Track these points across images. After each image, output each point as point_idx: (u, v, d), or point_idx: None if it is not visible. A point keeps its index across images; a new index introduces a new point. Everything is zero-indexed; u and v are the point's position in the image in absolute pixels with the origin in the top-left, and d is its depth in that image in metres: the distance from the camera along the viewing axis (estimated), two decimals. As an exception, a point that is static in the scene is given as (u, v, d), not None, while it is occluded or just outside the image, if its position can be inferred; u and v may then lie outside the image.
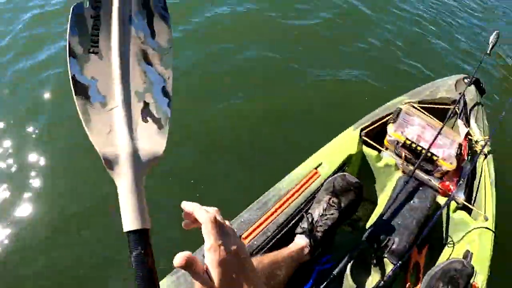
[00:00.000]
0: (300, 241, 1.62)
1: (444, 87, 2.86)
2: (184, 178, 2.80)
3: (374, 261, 1.79)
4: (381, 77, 4.12)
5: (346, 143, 2.18)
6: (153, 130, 0.69)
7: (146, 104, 0.71)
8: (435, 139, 2.21)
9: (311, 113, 3.56)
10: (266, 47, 4.12)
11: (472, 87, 2.93)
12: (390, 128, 2.28)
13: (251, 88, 3.65)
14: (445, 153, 2.28)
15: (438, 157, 2.22)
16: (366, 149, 2.23)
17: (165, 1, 0.81)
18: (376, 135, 2.42)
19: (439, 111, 2.66)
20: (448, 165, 2.24)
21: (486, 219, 2.12)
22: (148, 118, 0.70)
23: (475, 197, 2.38)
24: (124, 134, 0.65)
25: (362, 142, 2.27)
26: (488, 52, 3.03)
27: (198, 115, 3.23)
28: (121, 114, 0.67)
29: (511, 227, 2.99)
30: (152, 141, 0.67)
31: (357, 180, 1.71)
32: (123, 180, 0.60)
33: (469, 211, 2.26)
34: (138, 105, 0.70)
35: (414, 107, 2.55)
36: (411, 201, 1.98)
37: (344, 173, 1.76)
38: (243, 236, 1.60)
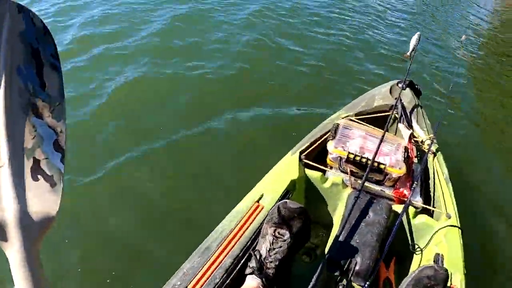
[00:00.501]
0: (252, 282, 1.46)
1: (380, 95, 2.87)
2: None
3: None
4: (316, 100, 4.17)
5: (286, 169, 2.07)
6: (45, 189, 0.64)
7: (36, 161, 0.66)
8: (378, 147, 2.14)
9: (248, 147, 3.51)
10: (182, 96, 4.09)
11: (408, 90, 2.96)
12: (330, 145, 2.21)
13: (177, 135, 3.53)
14: (392, 159, 2.22)
15: (385, 164, 2.16)
16: (309, 172, 2.13)
17: (56, 49, 0.76)
18: (318, 155, 2.35)
19: (379, 120, 2.64)
20: (398, 171, 2.18)
21: (449, 217, 2.04)
22: (39, 176, 0.65)
23: (433, 197, 2.32)
24: (10, 196, 0.59)
25: (304, 165, 2.16)
26: (409, 54, 3.15)
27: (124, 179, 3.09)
28: (7, 173, 0.61)
29: (476, 219, 2.98)
30: (44, 201, 0.62)
31: (300, 205, 1.57)
32: (13, 250, 0.54)
33: (430, 213, 2.19)
34: (27, 163, 0.64)
35: (352, 120, 2.52)
36: (366, 216, 1.88)
37: (285, 200, 1.63)
38: None
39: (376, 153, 2.09)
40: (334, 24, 6.38)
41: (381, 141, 2.19)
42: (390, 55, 5.58)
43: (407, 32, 6.55)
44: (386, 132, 2.32)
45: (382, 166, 2.15)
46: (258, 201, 1.82)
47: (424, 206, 2.17)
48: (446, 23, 8.28)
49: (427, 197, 2.34)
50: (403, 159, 2.24)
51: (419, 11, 8.45)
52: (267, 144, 3.46)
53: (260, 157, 3.09)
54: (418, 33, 3.22)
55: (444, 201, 2.17)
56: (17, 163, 0.63)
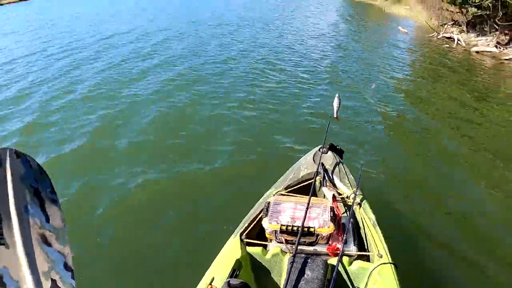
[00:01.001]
0: None
1: (305, 165, 3.21)
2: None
3: None
4: (250, 181, 4.43)
5: (230, 251, 2.37)
6: None
7: (54, 281, 0.83)
8: (305, 214, 2.50)
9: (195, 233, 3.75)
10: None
11: (329, 153, 3.31)
12: (265, 222, 2.53)
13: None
14: (320, 221, 2.56)
15: (314, 227, 2.48)
16: (250, 249, 2.44)
17: (52, 184, 0.93)
18: (259, 232, 2.67)
19: (307, 187, 2.98)
20: (327, 230, 2.51)
21: (381, 256, 2.36)
22: None
23: (366, 243, 2.64)
24: None
25: (246, 244, 2.48)
26: (335, 115, 3.44)
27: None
28: None
29: (407, 252, 3.34)
30: None
31: (241, 281, 1.87)
32: None
33: (366, 257, 2.51)
34: (46, 283, 0.81)
35: (282, 194, 2.89)
36: (305, 275, 2.15)
37: (228, 279, 1.92)
38: None
39: (304, 220, 2.44)
40: (258, 98, 7.03)
41: (307, 208, 2.55)
42: (315, 119, 6.13)
43: (328, 93, 7.30)
44: (313, 198, 2.66)
45: (312, 229, 2.47)
46: (211, 284, 2.10)
47: (359, 252, 2.49)
48: (358, 75, 9.29)
49: (361, 245, 2.64)
50: (330, 218, 2.56)
51: (331, 70, 9.40)
52: (210, 229, 3.73)
53: (209, 240, 3.36)
54: (337, 94, 3.51)
55: (375, 243, 2.50)
56: (39, 285, 0.81)
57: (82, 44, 12.53)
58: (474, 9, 18.08)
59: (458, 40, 17.38)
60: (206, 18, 18.62)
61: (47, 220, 0.89)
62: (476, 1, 16.08)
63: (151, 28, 15.51)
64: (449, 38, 17.96)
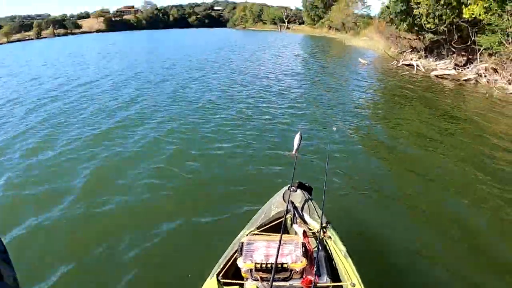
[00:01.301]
0: None
1: (275, 204, 3.29)
2: None
3: None
4: (224, 222, 4.45)
5: None
6: None
7: None
8: (278, 251, 2.56)
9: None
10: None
11: (299, 191, 3.36)
12: (240, 261, 2.58)
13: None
14: (293, 256, 2.62)
15: (287, 263, 2.55)
16: None
17: (5, 246, 0.92)
18: (235, 271, 2.73)
19: (279, 225, 3.03)
20: (299, 265, 2.57)
21: (354, 285, 2.44)
22: None
23: (339, 274, 2.71)
24: None
25: (223, 284, 2.52)
26: (294, 152, 3.51)
27: None
28: None
29: (378, 280, 3.43)
30: None
31: None
32: None
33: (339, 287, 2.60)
34: None
35: (255, 233, 2.97)
36: None
37: None
38: None
39: (277, 257, 2.49)
40: (223, 143, 7.06)
41: (280, 245, 2.62)
42: (280, 161, 6.13)
43: (290, 133, 7.36)
44: (284, 235, 2.71)
45: (285, 265, 2.53)
46: None
47: (331, 284, 2.56)
48: (323, 110, 9.62)
49: (335, 275, 2.71)
50: (302, 253, 2.62)
51: (296, 106, 9.68)
52: (187, 271, 3.67)
53: (186, 283, 3.38)
54: (299, 132, 3.63)
55: (348, 273, 2.58)
56: None
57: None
58: (430, 35, 19.17)
59: (418, 66, 18.31)
60: (176, 62, 19.11)
61: (1, 278, 0.87)
62: (432, 27, 17.02)
63: (99, 77, 15.70)
64: (408, 65, 18.91)
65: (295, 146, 3.57)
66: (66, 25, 76.25)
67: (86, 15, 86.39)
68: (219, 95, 11.20)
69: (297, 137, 3.60)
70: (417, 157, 6.62)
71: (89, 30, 76.45)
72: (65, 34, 70.60)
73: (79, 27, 77.98)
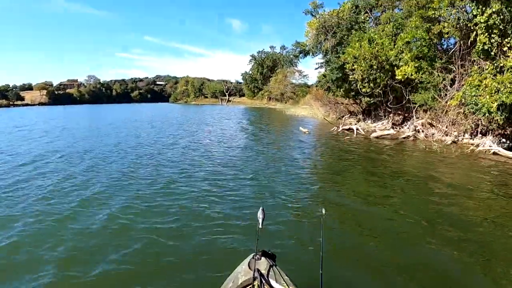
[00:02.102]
0: None
1: (242, 273, 3.33)
2: None
3: None
4: None
5: None
6: None
7: None
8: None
9: None
10: None
11: (263, 259, 3.42)
12: None
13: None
14: None
15: None
16: None
17: None
18: None
19: None
20: None
21: None
22: None
23: None
24: None
25: None
26: (261, 226, 3.59)
27: None
28: None
29: None
30: None
31: None
32: None
33: None
34: None
35: None
36: None
37: None
38: None
39: None
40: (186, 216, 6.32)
41: None
42: (245, 232, 5.61)
43: (251, 204, 6.85)
44: None
45: None
46: None
47: None
48: (269, 181, 9.25)
49: None
50: None
51: (243, 184, 9.08)
52: None
53: None
54: (261, 207, 3.72)
55: None
56: None
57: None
58: (367, 98, 20.33)
59: (357, 129, 18.90)
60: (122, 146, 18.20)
61: None
62: (368, 91, 18.02)
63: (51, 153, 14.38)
64: (348, 129, 19.42)
65: (260, 220, 3.63)
66: (8, 96, 73.49)
67: (29, 87, 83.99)
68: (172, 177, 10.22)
69: (260, 211, 3.69)
70: (367, 213, 6.48)
71: (31, 102, 74.26)
72: (7, 106, 68.10)
73: (22, 98, 75.58)
